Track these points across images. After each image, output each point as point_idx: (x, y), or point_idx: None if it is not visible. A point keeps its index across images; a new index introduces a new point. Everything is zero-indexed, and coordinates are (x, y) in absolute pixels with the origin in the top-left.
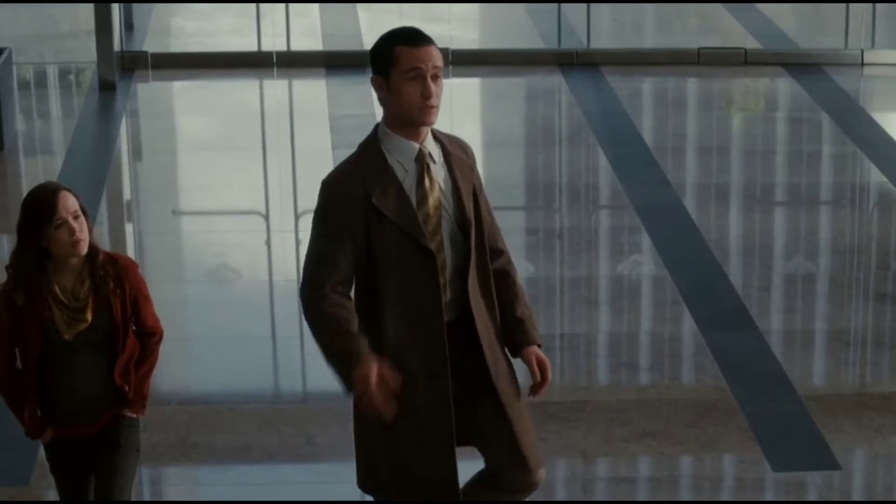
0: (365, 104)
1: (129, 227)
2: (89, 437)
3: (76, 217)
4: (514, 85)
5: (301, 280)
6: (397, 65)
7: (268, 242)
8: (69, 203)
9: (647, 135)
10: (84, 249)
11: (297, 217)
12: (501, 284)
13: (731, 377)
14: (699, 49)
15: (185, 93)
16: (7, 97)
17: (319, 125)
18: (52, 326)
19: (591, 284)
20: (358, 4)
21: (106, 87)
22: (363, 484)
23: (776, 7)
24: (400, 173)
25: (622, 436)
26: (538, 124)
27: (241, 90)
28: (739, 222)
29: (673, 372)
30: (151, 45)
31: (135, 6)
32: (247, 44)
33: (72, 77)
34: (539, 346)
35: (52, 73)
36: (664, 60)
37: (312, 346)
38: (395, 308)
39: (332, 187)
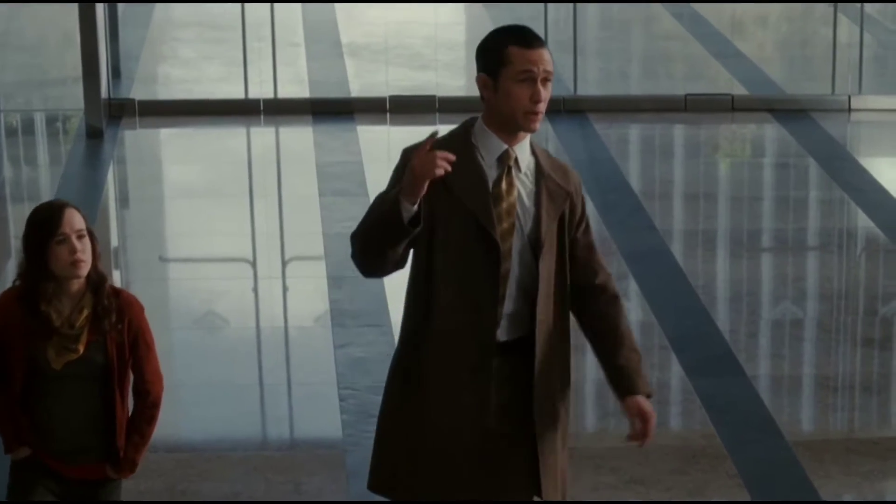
0: (352, 151)
1: (116, 274)
2: (64, 475)
3: (80, 236)
4: None
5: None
6: (509, 65)
7: (255, 289)
8: (75, 220)
9: (635, 181)
10: (83, 271)
11: (283, 264)
12: (605, 327)
13: (718, 423)
14: (686, 95)
15: (172, 140)
16: None
17: (306, 172)
18: (40, 352)
19: (578, 330)
20: (346, 52)
21: (93, 134)
22: (375, 485)
23: (763, 53)
24: (483, 166)
25: (610, 483)
26: None
27: (229, 137)
28: (727, 268)
29: (660, 418)
30: (138, 93)
31: (122, 54)
32: (234, 91)
33: (59, 124)
34: (647, 395)
35: (39, 120)
36: (651, 107)
37: (299, 393)
38: (448, 293)
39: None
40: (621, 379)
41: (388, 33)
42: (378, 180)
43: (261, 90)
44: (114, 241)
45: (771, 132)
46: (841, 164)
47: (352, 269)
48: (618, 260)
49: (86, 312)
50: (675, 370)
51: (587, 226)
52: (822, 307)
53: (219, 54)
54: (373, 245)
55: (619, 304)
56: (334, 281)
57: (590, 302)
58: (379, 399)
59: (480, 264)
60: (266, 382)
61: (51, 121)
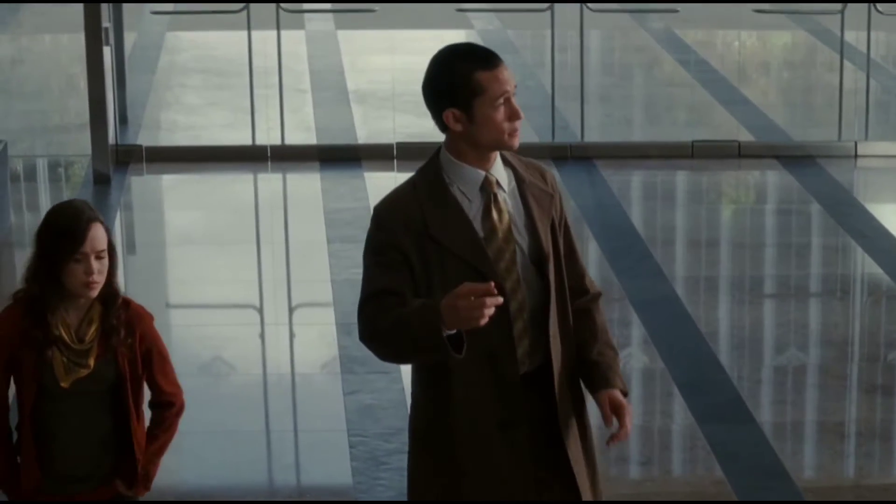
0: (359, 197)
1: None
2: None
3: (99, 257)
4: None
5: (359, 325)
6: (483, 93)
7: (262, 336)
8: (97, 240)
9: (642, 228)
10: (95, 293)
11: (290, 310)
12: (581, 324)
13: (728, 470)
14: (692, 142)
15: (179, 186)
16: (2, 190)
17: (314, 218)
18: (48, 369)
19: None
20: (352, 99)
21: (100, 181)
22: None
23: (769, 100)
24: (463, 203)
25: None
26: None
27: (236, 184)
28: (735, 314)
29: (669, 465)
30: (145, 139)
31: (129, 100)
32: (241, 137)
33: (62, 170)
34: (621, 390)
35: (43, 167)
36: (658, 154)
37: (309, 440)
38: (463, 358)
39: (386, 213)
40: (596, 374)
41: (394, 80)
42: None
43: (268, 137)
44: (121, 288)
45: (777, 178)
46: (847, 210)
47: None
48: (626, 306)
49: (95, 326)
50: (685, 416)
51: (566, 225)
52: (830, 353)
53: (225, 101)
54: (400, 358)
55: (598, 301)
56: (343, 327)
57: (574, 298)
58: (388, 446)
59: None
60: (275, 429)
61: (55, 167)
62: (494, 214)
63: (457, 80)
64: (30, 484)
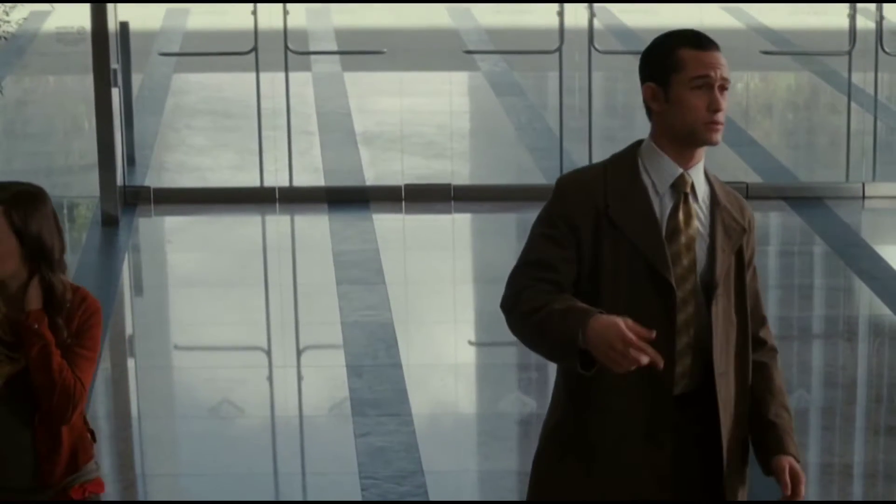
0: (368, 239)
1: (130, 362)
2: None
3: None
4: (517, 220)
5: (505, 291)
6: (682, 70)
7: (269, 378)
8: None
9: None
10: (5, 270)
11: (299, 353)
12: (757, 379)
13: None
14: None
15: (187, 228)
16: None
17: (322, 260)
18: None
19: None
20: (360, 141)
21: (108, 222)
22: None
23: (776, 141)
24: (651, 195)
25: None
26: None
27: (244, 225)
28: None
29: None
30: (153, 180)
31: (136, 141)
32: (249, 179)
33: (66, 211)
34: (794, 457)
35: None
36: None
37: (318, 483)
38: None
39: (568, 187)
40: (771, 436)
41: (402, 121)
42: (395, 269)
43: (276, 178)
44: (129, 330)
45: (786, 219)
46: (856, 252)
47: (371, 358)
48: None
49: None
50: None
51: (754, 270)
52: (839, 395)
53: (232, 142)
54: (532, 348)
55: (776, 358)
56: (353, 369)
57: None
58: (400, 489)
59: (655, 312)
60: (281, 472)
61: (60, 208)
62: (681, 216)
63: (658, 53)
64: None
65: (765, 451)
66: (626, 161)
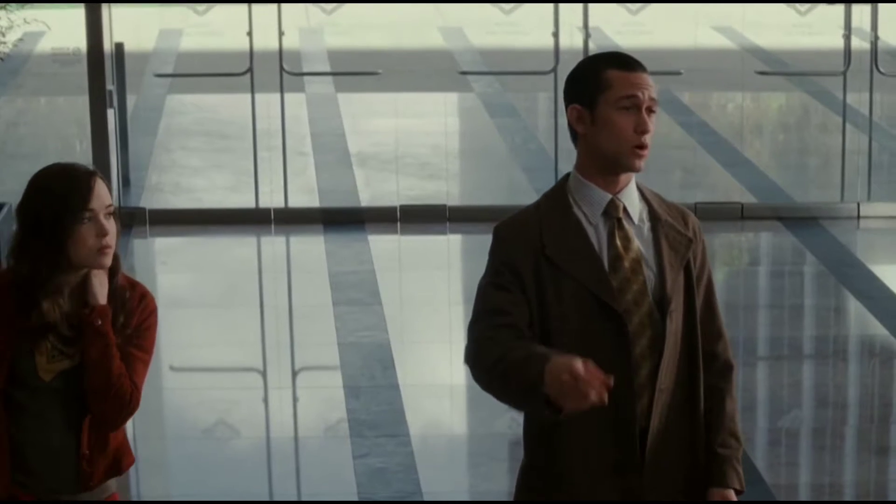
0: (364, 260)
1: None
2: None
3: (108, 215)
4: None
5: (466, 345)
6: (608, 90)
7: (265, 399)
8: (104, 193)
9: None
10: (109, 260)
11: (294, 374)
12: (708, 406)
13: None
14: (696, 204)
15: (182, 249)
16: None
17: (318, 282)
18: (27, 361)
19: None
20: (354, 162)
21: None
22: None
23: (770, 161)
24: (586, 227)
25: None
26: None
27: (240, 247)
28: (742, 376)
29: None
30: (148, 202)
31: (131, 162)
32: (244, 200)
33: None
34: (736, 489)
35: None
36: None
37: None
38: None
39: (504, 232)
40: (713, 466)
41: (396, 142)
42: (391, 289)
43: (271, 199)
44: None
45: (780, 240)
46: (851, 272)
47: (368, 379)
48: None
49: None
50: None
51: (709, 279)
52: (837, 415)
53: (227, 163)
54: (501, 400)
55: (730, 378)
56: (351, 390)
57: (705, 367)
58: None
59: (608, 346)
60: (276, 493)
61: None
62: (619, 242)
63: (584, 74)
64: (2, 492)
65: (707, 483)
66: (557, 197)
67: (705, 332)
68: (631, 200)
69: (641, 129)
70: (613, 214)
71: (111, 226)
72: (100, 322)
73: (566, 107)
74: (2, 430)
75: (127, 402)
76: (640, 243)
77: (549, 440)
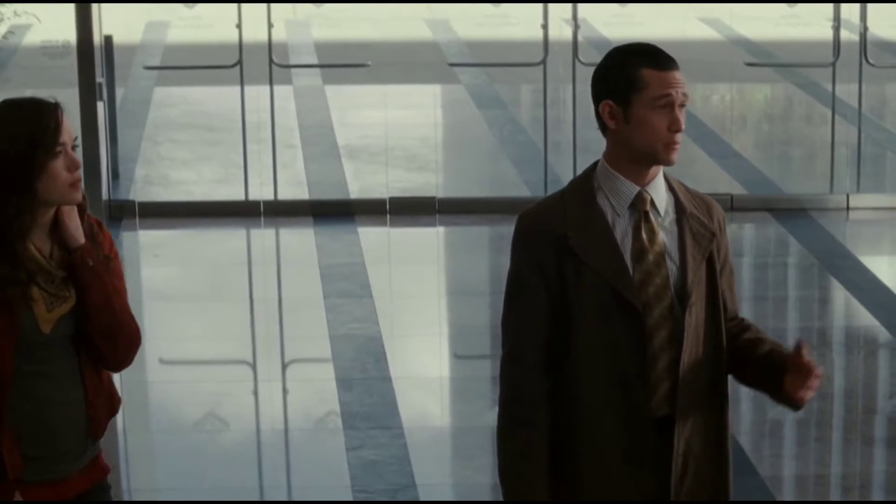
0: (354, 253)
1: (116, 377)
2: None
3: (75, 147)
4: (501, 233)
5: (503, 354)
6: (644, 89)
7: (255, 392)
8: (69, 126)
9: None
10: (80, 194)
11: (284, 366)
12: (744, 334)
13: None
14: None
15: (172, 242)
16: None
17: (309, 274)
18: (28, 316)
19: None
20: (343, 154)
21: None
22: None
23: (761, 154)
24: (610, 217)
25: None
26: None
27: (229, 239)
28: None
29: None
30: (138, 194)
31: (119, 155)
32: (233, 193)
33: None
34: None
35: None
36: None
37: (313, 496)
38: (591, 377)
39: (526, 226)
40: (777, 357)
41: (385, 134)
42: (381, 282)
43: (261, 192)
44: None
45: (770, 231)
46: (840, 263)
47: (360, 371)
48: None
49: (58, 248)
50: None
51: (731, 270)
52: (828, 406)
53: (216, 156)
54: (497, 456)
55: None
56: (343, 383)
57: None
58: (394, 500)
59: (626, 337)
60: (266, 486)
61: None
62: (644, 235)
63: (618, 71)
64: (14, 473)
65: (780, 367)
66: (583, 186)
67: (733, 320)
68: (658, 193)
69: (676, 128)
70: (640, 207)
71: (80, 159)
72: (91, 262)
73: (596, 101)
74: (7, 414)
75: (136, 335)
76: (665, 235)
77: (561, 419)
